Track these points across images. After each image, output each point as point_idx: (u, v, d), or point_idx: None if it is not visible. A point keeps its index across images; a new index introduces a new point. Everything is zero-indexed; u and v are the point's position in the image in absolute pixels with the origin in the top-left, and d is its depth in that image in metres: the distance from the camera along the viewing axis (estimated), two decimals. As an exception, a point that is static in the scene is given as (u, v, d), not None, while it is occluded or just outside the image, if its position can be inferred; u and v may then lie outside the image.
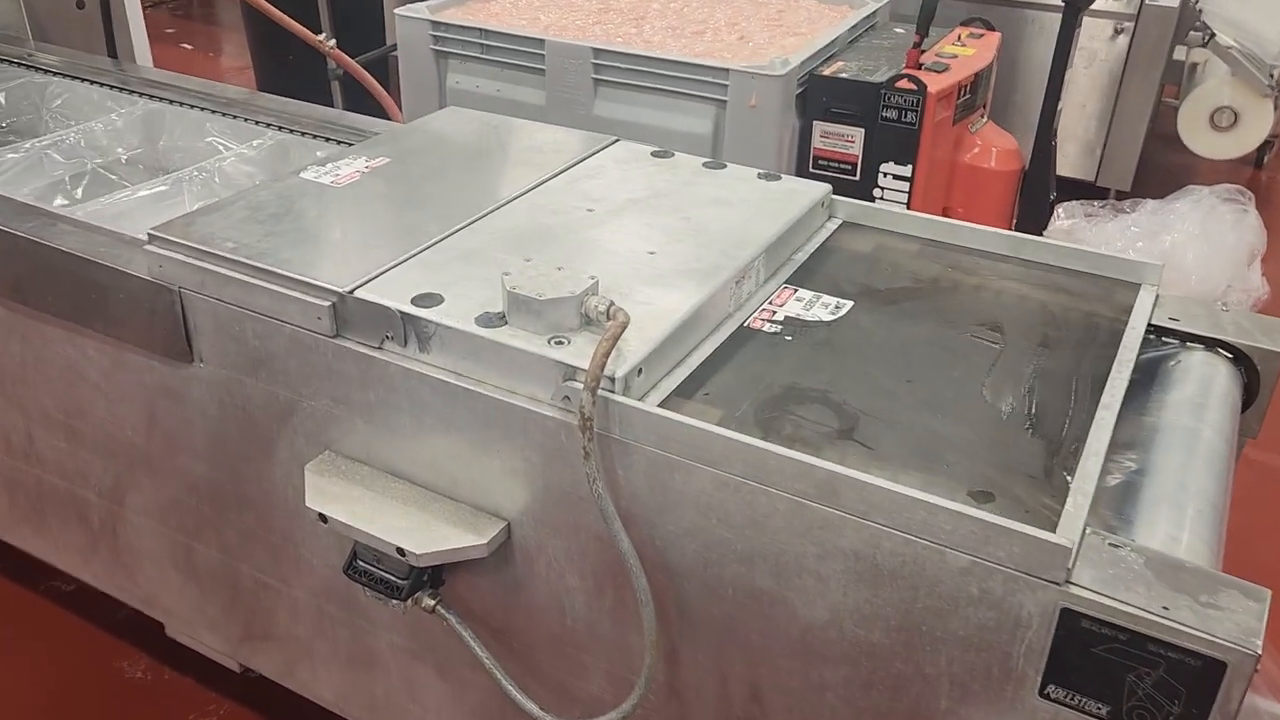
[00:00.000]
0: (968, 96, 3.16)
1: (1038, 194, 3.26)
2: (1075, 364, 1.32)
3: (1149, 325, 1.42)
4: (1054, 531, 1.01)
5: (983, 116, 3.30)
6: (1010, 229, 3.37)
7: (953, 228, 1.61)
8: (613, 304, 1.22)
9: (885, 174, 3.09)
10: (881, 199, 3.12)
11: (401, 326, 1.29)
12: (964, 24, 3.48)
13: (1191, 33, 3.97)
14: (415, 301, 1.30)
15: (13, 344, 1.73)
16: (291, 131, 2.05)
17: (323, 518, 1.35)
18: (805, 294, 1.46)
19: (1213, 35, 3.96)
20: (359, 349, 1.33)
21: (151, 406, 1.61)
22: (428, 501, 1.35)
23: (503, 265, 1.36)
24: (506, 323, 1.26)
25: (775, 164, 3.09)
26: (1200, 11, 4.01)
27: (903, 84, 2.97)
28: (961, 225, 1.60)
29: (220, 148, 2.08)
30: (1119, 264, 1.52)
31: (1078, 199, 3.92)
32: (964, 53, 3.27)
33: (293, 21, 2.50)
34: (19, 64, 2.34)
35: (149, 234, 1.47)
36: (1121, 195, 4.07)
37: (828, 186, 1.68)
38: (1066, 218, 3.81)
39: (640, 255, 1.42)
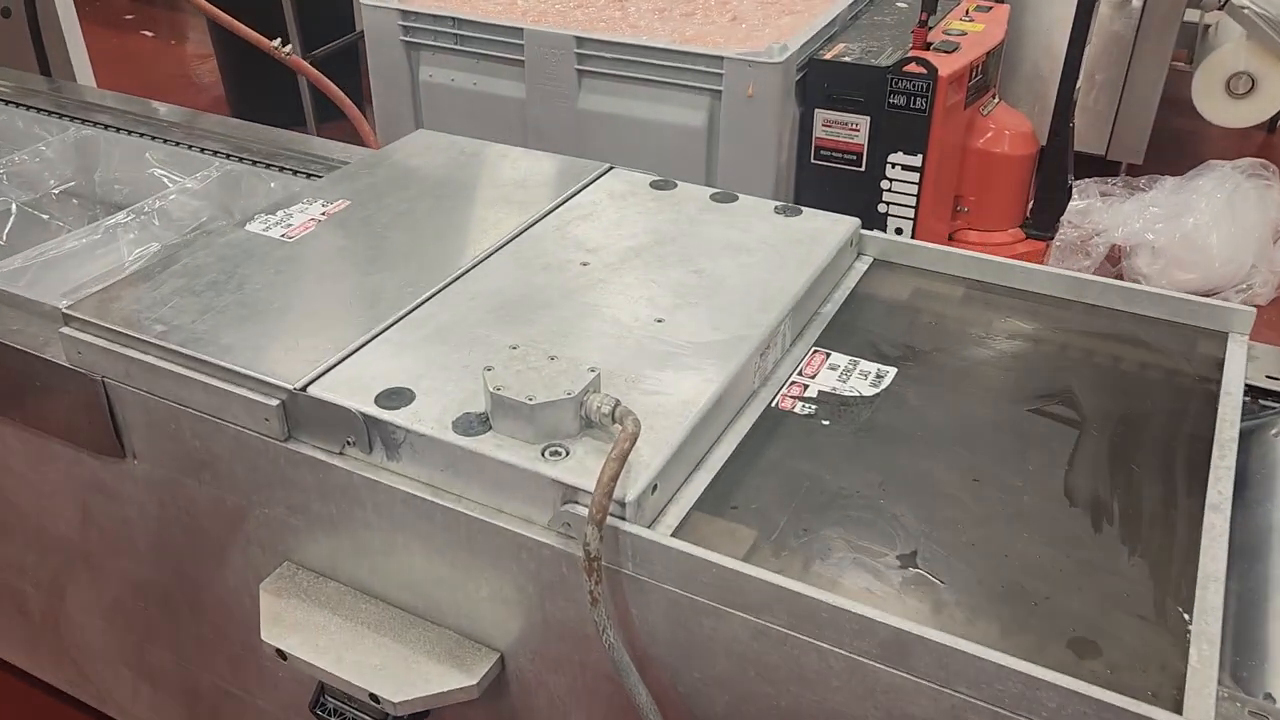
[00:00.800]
0: (979, 77, 2.93)
1: (1056, 179, 3.03)
2: (1166, 445, 1.12)
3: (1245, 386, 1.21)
4: (1180, 707, 0.81)
5: (994, 97, 3.08)
6: (1025, 217, 3.17)
7: (1003, 268, 1.39)
8: (619, 404, 1.01)
9: (894, 164, 2.87)
10: (889, 191, 2.90)
11: (365, 430, 1.08)
12: (971, -5, 3.25)
13: (1206, -6, 3.75)
14: (380, 400, 1.08)
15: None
16: (241, 160, 1.82)
17: (281, 654, 1.14)
18: (839, 360, 1.25)
19: (1229, -4, 3.73)
20: (316, 455, 1.11)
21: (84, 502, 1.39)
22: (405, 629, 1.14)
23: (484, 344, 1.14)
24: (490, 427, 1.04)
25: (775, 156, 2.87)
26: (1216, -29, 3.78)
27: (911, 68, 2.74)
28: (1013, 265, 1.39)
29: (164, 180, 1.85)
30: (1201, 310, 1.30)
31: (1089, 176, 3.71)
32: (973, 29, 3.04)
33: (242, 26, 2.25)
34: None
35: (64, 312, 1.24)
36: (1134, 169, 3.86)
37: (856, 221, 1.46)
38: (1080, 198, 3.60)
39: (647, 325, 1.20)
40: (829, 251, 1.35)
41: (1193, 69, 3.96)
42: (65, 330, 1.24)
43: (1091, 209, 3.55)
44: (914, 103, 2.77)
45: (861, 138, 2.89)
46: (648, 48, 2.84)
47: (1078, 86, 2.99)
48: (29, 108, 2.01)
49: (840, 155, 2.94)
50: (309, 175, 1.77)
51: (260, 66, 4.51)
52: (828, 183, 2.97)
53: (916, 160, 2.83)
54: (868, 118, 2.85)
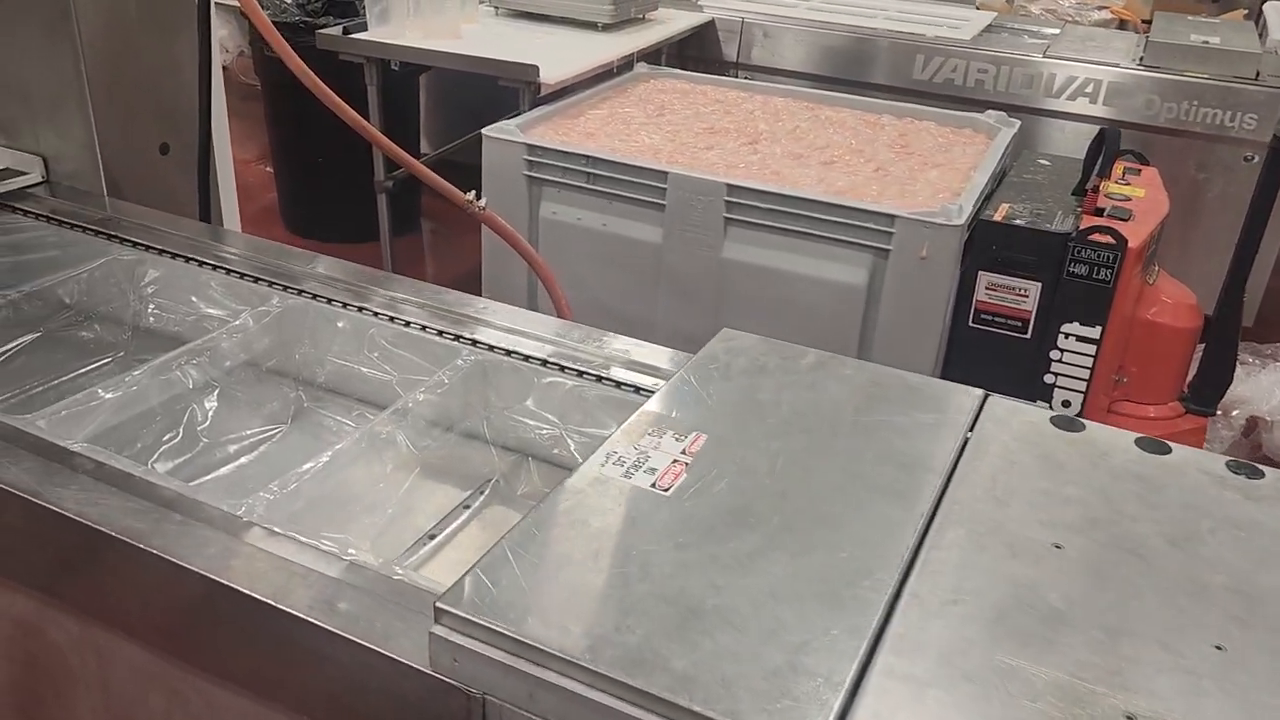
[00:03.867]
0: (1154, 248, 2.79)
1: (1223, 354, 2.88)
2: None
3: None
4: None
5: (1156, 267, 2.93)
6: (1184, 390, 3.01)
7: None
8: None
9: (1067, 335, 2.70)
10: (1059, 361, 2.73)
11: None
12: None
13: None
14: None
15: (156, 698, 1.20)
16: (491, 349, 1.56)
17: None
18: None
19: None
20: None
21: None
22: None
23: (1018, 679, 0.89)
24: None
25: (940, 319, 2.68)
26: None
27: (1098, 237, 2.58)
28: None
29: (386, 371, 1.58)
30: None
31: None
32: (1135, 194, 2.91)
33: (436, 176, 2.01)
34: (99, 233, 1.83)
35: (437, 607, 0.97)
36: (1247, 332, 3.74)
37: None
38: (1205, 363, 3.46)
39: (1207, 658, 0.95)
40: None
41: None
42: (438, 629, 0.97)
43: (1221, 377, 3.41)
44: (1097, 273, 2.62)
45: (1030, 304, 2.73)
46: (809, 200, 2.66)
47: (1255, 258, 2.85)
48: (214, 266, 1.74)
49: (1004, 320, 2.77)
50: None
51: (321, 180, 4.27)
52: (987, 349, 2.79)
53: (1094, 333, 2.67)
54: (1039, 284, 2.69)
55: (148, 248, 1.78)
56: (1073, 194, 2.88)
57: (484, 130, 2.98)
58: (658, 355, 1.60)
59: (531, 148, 2.91)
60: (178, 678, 1.17)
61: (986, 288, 2.76)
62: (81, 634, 1.20)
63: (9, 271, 1.73)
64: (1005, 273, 2.70)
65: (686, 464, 1.18)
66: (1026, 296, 2.73)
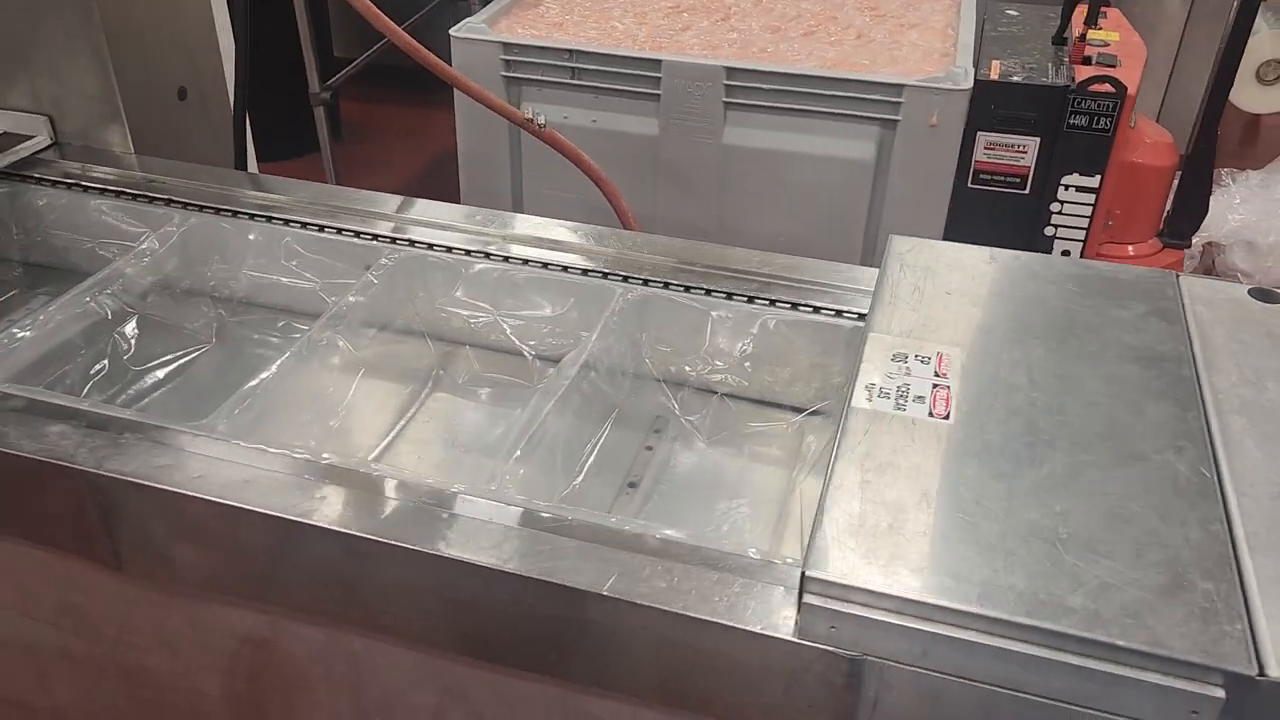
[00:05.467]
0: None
1: (1197, 189, 2.98)
2: None
3: None
4: None
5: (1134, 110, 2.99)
6: (1160, 228, 3.13)
7: None
8: None
9: (1067, 187, 2.74)
10: (1060, 214, 2.78)
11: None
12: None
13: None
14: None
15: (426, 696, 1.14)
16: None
17: None
18: None
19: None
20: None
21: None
22: None
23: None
24: None
25: (949, 186, 2.70)
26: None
27: (1099, 87, 2.61)
28: None
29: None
30: None
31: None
32: (1111, 38, 2.94)
33: (490, 95, 1.88)
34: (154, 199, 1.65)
35: (806, 575, 0.94)
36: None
37: None
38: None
39: None
40: None
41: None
42: (811, 599, 0.94)
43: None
44: (1097, 122, 2.66)
45: (1029, 160, 2.76)
46: (813, 77, 2.61)
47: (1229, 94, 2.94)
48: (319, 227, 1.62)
49: (1002, 179, 2.80)
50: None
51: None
52: (987, 208, 2.83)
53: (1094, 182, 2.72)
54: (1038, 139, 2.71)
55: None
56: (1053, 43, 2.89)
57: (452, 31, 2.80)
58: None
59: (507, 46, 2.76)
60: (454, 672, 1.11)
61: (985, 147, 2.78)
62: (329, 640, 1.13)
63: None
64: (1004, 131, 2.72)
65: (948, 387, 1.16)
66: (1025, 152, 2.75)
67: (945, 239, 2.83)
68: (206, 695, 1.23)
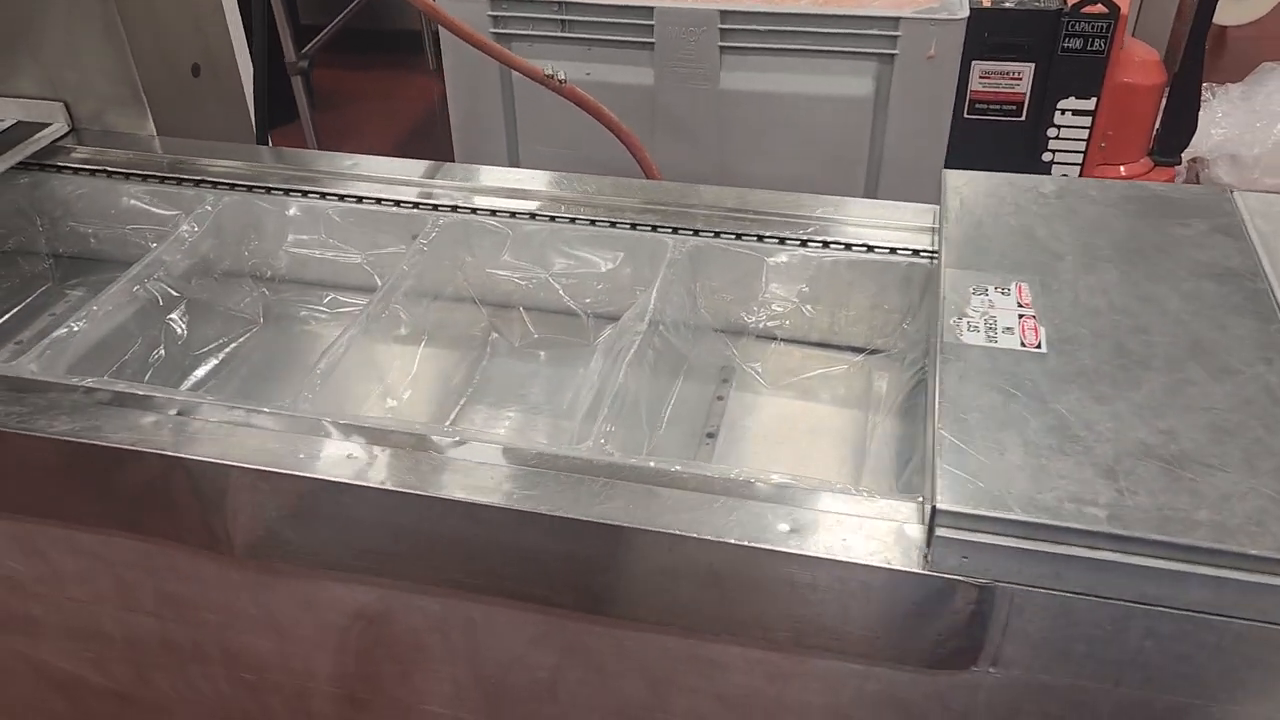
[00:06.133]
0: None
1: (1186, 107, 3.02)
2: None
3: None
4: None
5: (1121, 28, 3.01)
6: (1150, 147, 3.16)
7: None
8: None
9: (1063, 111, 2.76)
10: (1057, 138, 2.81)
11: None
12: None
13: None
14: None
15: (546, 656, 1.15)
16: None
17: None
18: None
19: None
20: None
21: None
22: None
23: None
24: None
25: (946, 117, 2.71)
26: None
27: (1092, 8, 2.62)
28: None
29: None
30: None
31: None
32: (1093, -45, 2.94)
33: (509, 53, 1.86)
34: (183, 180, 1.62)
35: (937, 509, 0.96)
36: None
37: None
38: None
39: None
40: None
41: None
42: (943, 531, 0.96)
43: (1151, 124, 3.59)
44: (1092, 44, 2.67)
45: (1024, 86, 2.77)
46: (807, 15, 2.60)
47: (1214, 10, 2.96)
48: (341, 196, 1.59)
49: (998, 107, 2.81)
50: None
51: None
52: (985, 137, 2.84)
53: (1090, 104, 2.74)
54: (1032, 65, 2.73)
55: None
56: (1061, -33, 2.89)
57: (437, -10, 2.74)
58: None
59: (494, 1, 2.72)
60: (573, 629, 1.12)
61: (980, 76, 2.79)
62: (445, 609, 1.13)
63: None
64: (999, 59, 2.73)
65: (1034, 316, 1.17)
66: (1020, 79, 2.77)
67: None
68: (315, 674, 1.24)
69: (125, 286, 1.43)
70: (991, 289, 1.22)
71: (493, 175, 1.63)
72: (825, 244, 1.47)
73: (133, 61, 1.63)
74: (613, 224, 1.53)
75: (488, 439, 1.11)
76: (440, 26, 1.75)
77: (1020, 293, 1.22)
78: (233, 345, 1.57)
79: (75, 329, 1.35)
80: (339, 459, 1.09)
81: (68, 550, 1.23)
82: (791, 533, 1.02)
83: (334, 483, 1.06)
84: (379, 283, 1.57)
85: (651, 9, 2.64)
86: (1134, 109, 2.97)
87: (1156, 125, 3.09)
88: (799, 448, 1.39)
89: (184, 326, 1.50)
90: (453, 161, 2.83)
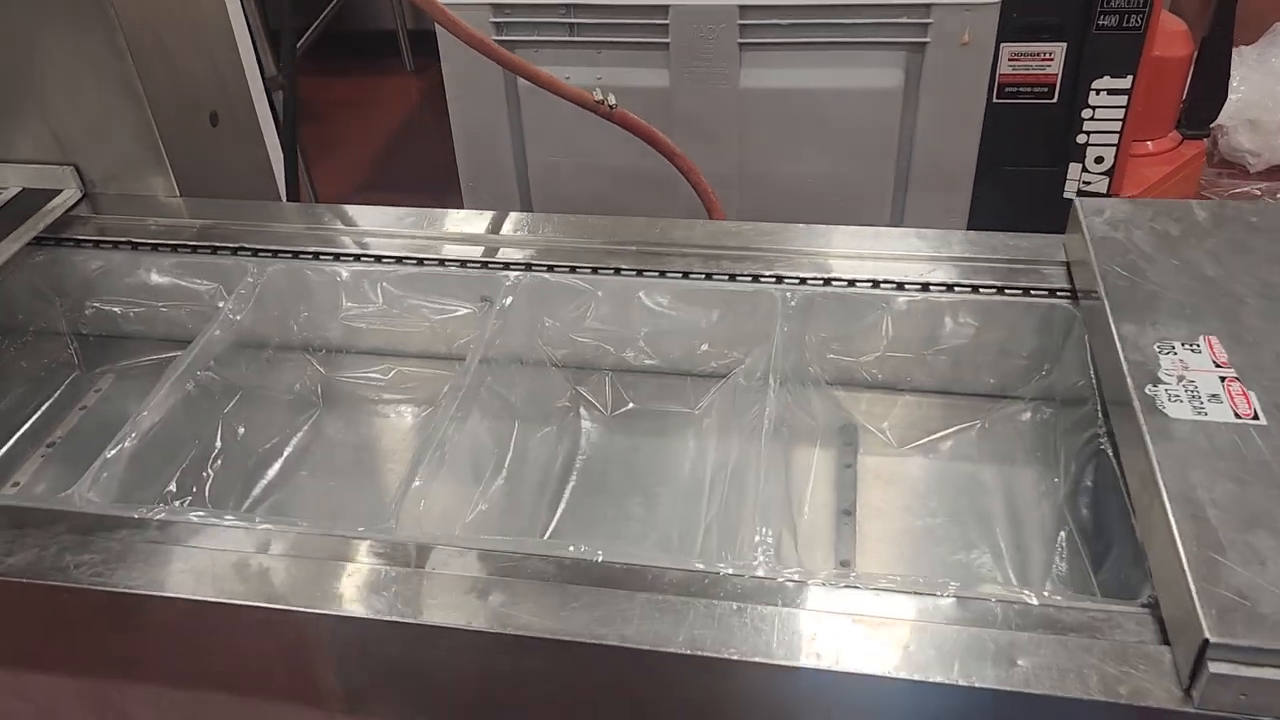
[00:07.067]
0: (1153, -23, 2.74)
1: (1216, 77, 2.92)
2: None
3: None
4: None
5: (1144, -2, 2.90)
6: (1178, 117, 3.06)
7: None
8: None
9: (1098, 91, 2.65)
10: (1091, 119, 2.69)
11: None
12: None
13: None
14: None
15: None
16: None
17: None
18: None
19: None
20: None
21: None
22: None
23: None
24: None
25: (979, 105, 2.59)
26: None
27: (1129, -17, 2.50)
28: None
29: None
30: None
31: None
32: (1115, -74, 2.82)
33: (558, 80, 1.70)
34: (217, 249, 1.45)
35: (1211, 642, 0.83)
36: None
37: None
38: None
39: None
40: None
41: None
42: (1218, 667, 0.83)
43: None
44: (1128, 20, 2.56)
45: (1055, 67, 2.66)
46: (833, 5, 2.45)
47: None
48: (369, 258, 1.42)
49: (1029, 90, 2.70)
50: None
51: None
52: (1015, 121, 2.73)
53: (1125, 83, 2.63)
54: (1064, 45, 2.61)
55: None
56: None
57: (435, -2, 2.56)
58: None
59: (497, 7, 2.55)
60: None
61: (1010, 59, 2.67)
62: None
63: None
64: (1030, 39, 2.61)
65: (1237, 378, 1.05)
66: (1052, 60, 2.65)
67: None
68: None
69: (175, 386, 1.26)
70: (1178, 345, 1.10)
71: (563, 226, 1.47)
72: (949, 287, 1.34)
73: (151, 115, 1.44)
74: (708, 275, 1.38)
75: (622, 558, 0.97)
76: (489, 57, 1.57)
77: (1212, 348, 1.09)
78: (296, 436, 1.40)
79: (127, 445, 1.18)
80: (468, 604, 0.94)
81: (154, 711, 1.07)
82: (1014, 664, 0.89)
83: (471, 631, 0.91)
84: (445, 350, 1.41)
85: (666, 7, 2.48)
86: (1164, 82, 2.87)
87: (1183, 97, 3.00)
88: (949, 525, 1.25)
89: (241, 422, 1.33)
90: (455, 168, 2.68)
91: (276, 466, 1.35)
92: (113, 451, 1.16)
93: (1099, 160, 2.74)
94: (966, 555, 1.20)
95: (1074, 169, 2.75)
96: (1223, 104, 2.95)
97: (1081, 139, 2.72)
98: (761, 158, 2.67)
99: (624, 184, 2.71)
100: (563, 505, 1.30)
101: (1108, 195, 2.74)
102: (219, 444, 1.31)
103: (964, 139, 2.61)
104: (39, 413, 1.43)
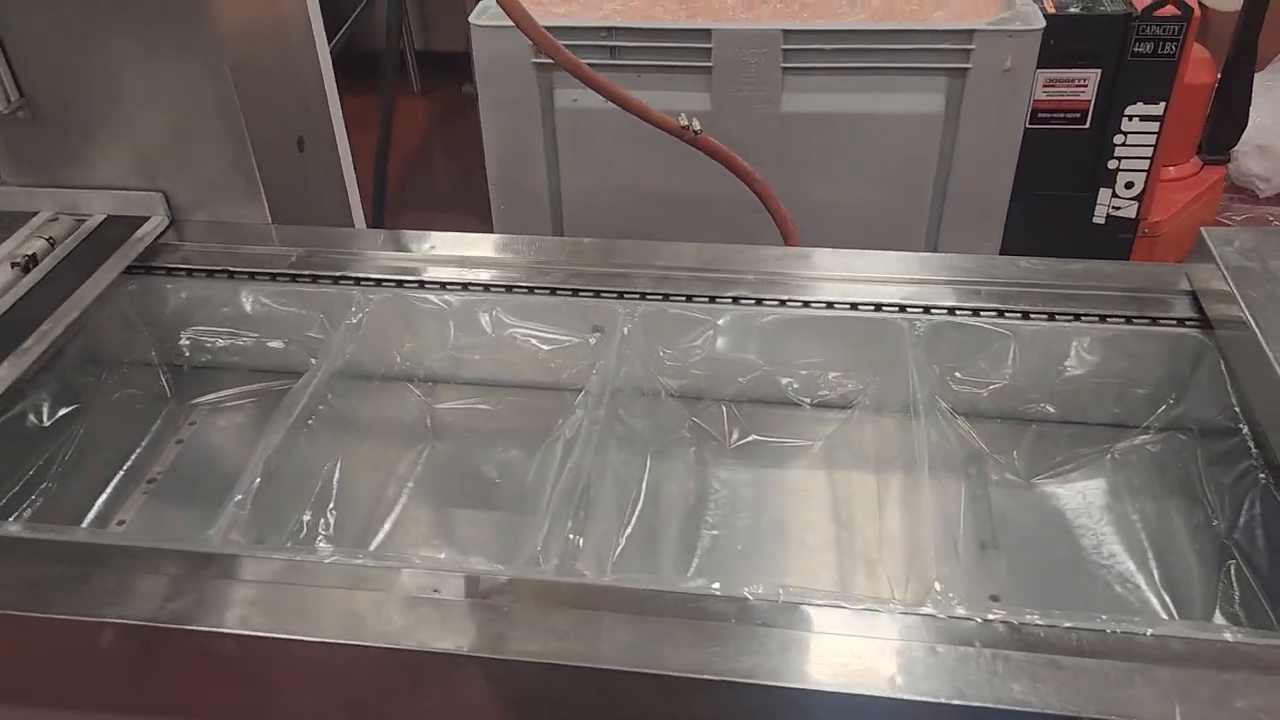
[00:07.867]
0: (1185, 7, 2.79)
1: (1237, 103, 2.97)
2: None
3: None
4: None
5: (1171, 26, 2.94)
6: (1199, 143, 3.10)
7: None
8: None
9: (1131, 117, 2.68)
10: (1124, 145, 2.72)
11: None
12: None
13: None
14: None
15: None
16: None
17: None
18: None
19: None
20: None
21: None
22: None
23: None
24: None
25: (1018, 131, 2.60)
26: None
27: (1165, 10, 2.54)
28: None
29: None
30: None
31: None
32: (1142, -44, 2.87)
33: (642, 103, 1.68)
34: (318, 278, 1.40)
35: None
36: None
37: None
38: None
39: None
40: None
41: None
42: None
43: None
44: (1163, 48, 2.59)
45: (1089, 93, 2.69)
46: (876, 31, 2.46)
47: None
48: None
49: (1062, 115, 2.73)
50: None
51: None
52: (1048, 146, 2.76)
53: (1158, 109, 2.67)
54: (1098, 71, 2.64)
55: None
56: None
57: (472, 19, 2.54)
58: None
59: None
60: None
61: (1044, 85, 2.70)
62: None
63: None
64: (1064, 66, 2.64)
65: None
66: (1085, 86, 2.68)
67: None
68: None
69: (292, 434, 1.21)
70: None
71: (675, 253, 1.45)
72: (1076, 316, 1.33)
73: (249, 141, 1.40)
74: (829, 304, 1.37)
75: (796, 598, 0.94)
76: (587, 84, 1.55)
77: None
78: (416, 471, 1.36)
79: (252, 485, 1.13)
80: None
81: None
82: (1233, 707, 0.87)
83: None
84: (557, 381, 1.38)
85: (709, 31, 2.47)
86: (1189, 109, 2.91)
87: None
88: (1094, 557, 1.24)
89: (357, 460, 1.29)
90: (471, 189, 2.64)
91: (400, 505, 1.31)
92: (238, 497, 1.11)
93: (1129, 185, 2.77)
94: (1120, 589, 1.19)
95: (1104, 194, 2.77)
96: (1243, 130, 2.99)
97: (1112, 164, 2.75)
98: (800, 182, 2.66)
99: (658, 208, 2.69)
100: (702, 542, 1.27)
101: (1136, 220, 2.77)
102: (337, 478, 1.27)
103: (1002, 165, 2.62)
104: (138, 449, 1.37)
